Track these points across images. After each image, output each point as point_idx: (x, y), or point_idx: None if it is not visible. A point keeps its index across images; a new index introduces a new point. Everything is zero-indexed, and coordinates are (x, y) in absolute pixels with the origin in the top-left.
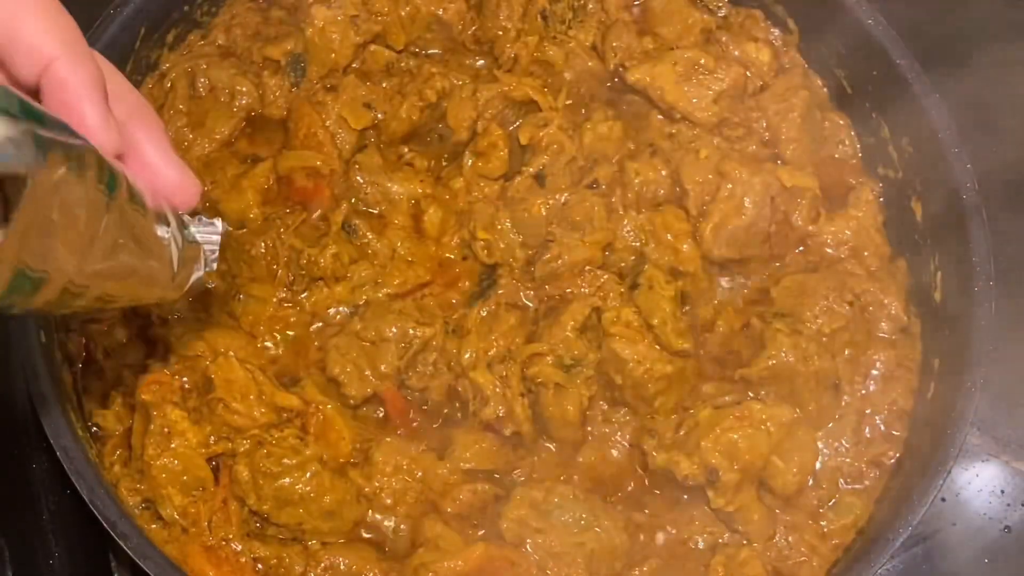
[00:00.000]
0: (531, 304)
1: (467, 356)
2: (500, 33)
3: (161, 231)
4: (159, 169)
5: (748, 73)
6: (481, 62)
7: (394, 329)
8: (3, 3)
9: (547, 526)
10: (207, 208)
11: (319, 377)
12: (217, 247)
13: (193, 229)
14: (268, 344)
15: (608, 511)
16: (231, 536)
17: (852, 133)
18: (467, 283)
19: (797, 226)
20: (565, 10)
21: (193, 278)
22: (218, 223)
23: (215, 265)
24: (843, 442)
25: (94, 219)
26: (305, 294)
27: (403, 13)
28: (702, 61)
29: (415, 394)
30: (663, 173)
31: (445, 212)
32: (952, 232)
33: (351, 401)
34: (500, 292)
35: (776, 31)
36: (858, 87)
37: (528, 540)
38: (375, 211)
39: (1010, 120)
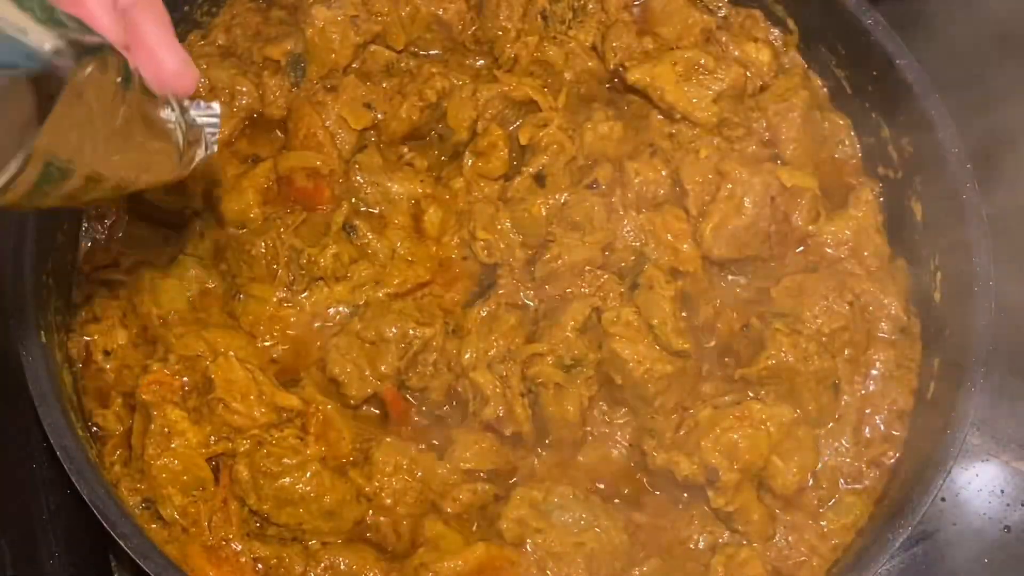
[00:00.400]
0: (531, 304)
1: (467, 356)
2: (500, 33)
3: (167, 115)
4: (161, 56)
5: (748, 73)
6: (481, 62)
7: (394, 329)
8: None
9: (547, 526)
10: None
11: (319, 377)
12: (217, 129)
13: (193, 113)
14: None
15: (608, 511)
16: (231, 536)
17: (852, 133)
18: (467, 283)
19: (797, 226)
20: (565, 10)
21: (197, 158)
22: (215, 106)
23: (215, 147)
24: (843, 442)
25: (113, 111)
26: (305, 294)
27: (403, 13)
28: (702, 61)
29: (415, 394)
30: (663, 173)
31: (445, 212)
32: (952, 232)
33: (351, 401)
34: (500, 292)
35: (776, 31)
36: (858, 87)
37: (528, 540)
38: (375, 211)
39: (1011, 119)
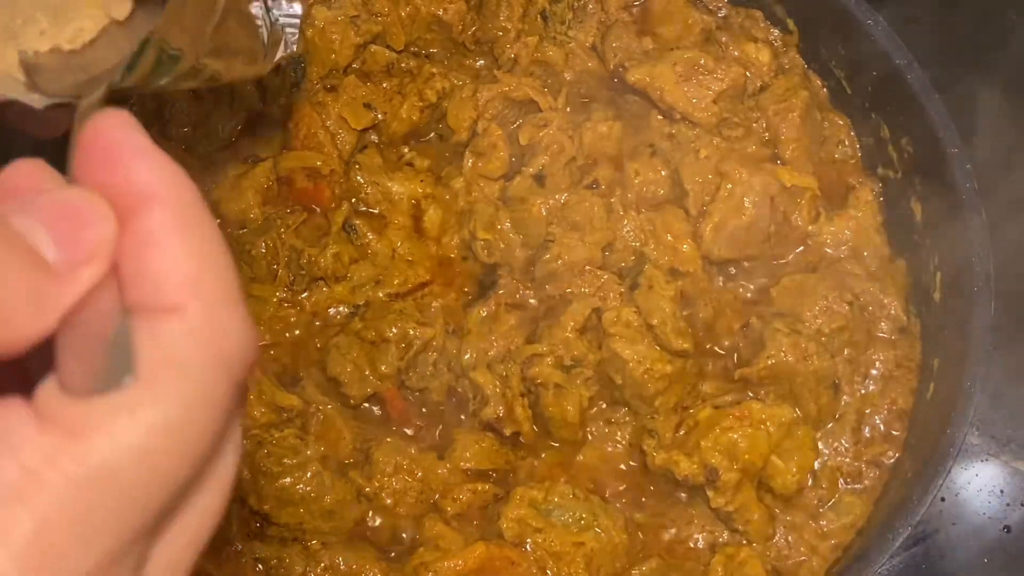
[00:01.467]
0: (531, 304)
1: (467, 356)
2: (500, 34)
3: (255, 11)
4: None
5: (748, 73)
6: (481, 62)
7: (394, 329)
8: None
9: (547, 526)
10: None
11: (319, 377)
12: (297, 30)
13: (276, 12)
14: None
15: (608, 511)
16: (232, 536)
17: (852, 133)
18: (467, 283)
19: (797, 226)
20: (565, 10)
21: (278, 55)
22: (297, 7)
23: (295, 47)
24: (843, 442)
25: (214, 3)
26: (305, 294)
27: (403, 13)
28: (702, 61)
29: (415, 394)
30: (663, 173)
31: (445, 212)
32: (952, 232)
33: (351, 401)
34: (500, 292)
35: (776, 31)
36: (858, 87)
37: (528, 540)
38: (375, 211)
39: (1011, 120)
